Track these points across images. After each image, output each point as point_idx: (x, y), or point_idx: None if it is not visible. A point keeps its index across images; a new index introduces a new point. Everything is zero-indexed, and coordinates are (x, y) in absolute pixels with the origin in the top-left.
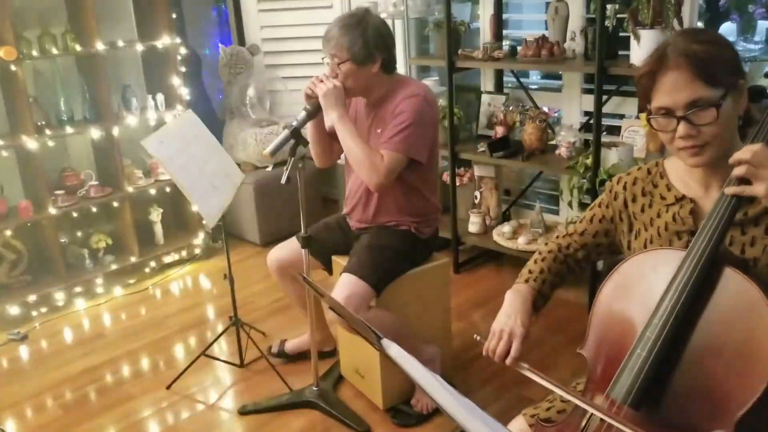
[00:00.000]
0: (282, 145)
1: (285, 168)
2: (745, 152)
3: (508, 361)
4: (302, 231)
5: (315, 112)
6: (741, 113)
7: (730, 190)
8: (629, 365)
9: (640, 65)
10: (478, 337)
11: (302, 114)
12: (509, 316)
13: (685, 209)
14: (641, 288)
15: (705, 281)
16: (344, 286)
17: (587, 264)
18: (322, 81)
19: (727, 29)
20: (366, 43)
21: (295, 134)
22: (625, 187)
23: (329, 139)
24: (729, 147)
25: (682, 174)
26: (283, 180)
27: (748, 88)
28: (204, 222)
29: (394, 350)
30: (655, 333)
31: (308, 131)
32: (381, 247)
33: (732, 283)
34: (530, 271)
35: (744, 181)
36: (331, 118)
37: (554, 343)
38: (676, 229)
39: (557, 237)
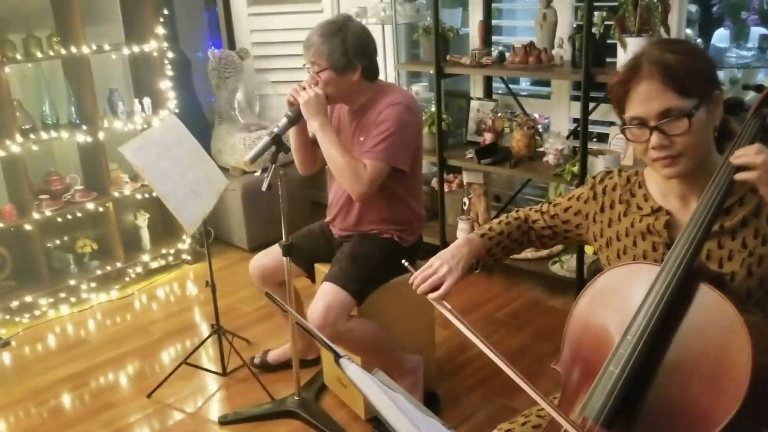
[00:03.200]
0: (263, 151)
1: (266, 175)
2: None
3: (432, 296)
4: (284, 239)
5: (296, 119)
6: (716, 124)
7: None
8: (602, 382)
9: (613, 74)
10: (407, 263)
11: (283, 121)
12: (453, 257)
13: (660, 221)
14: (616, 303)
15: (680, 297)
16: (324, 294)
17: (549, 242)
18: (304, 88)
19: (721, 36)
20: (345, 50)
21: (277, 141)
22: (604, 191)
23: (312, 146)
24: (704, 159)
25: (661, 185)
26: (264, 187)
27: (726, 100)
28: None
29: (352, 370)
30: (628, 350)
31: (291, 138)
32: (363, 256)
33: (707, 300)
34: (491, 229)
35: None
36: (312, 126)
37: (541, 351)
38: (652, 240)
39: (530, 208)
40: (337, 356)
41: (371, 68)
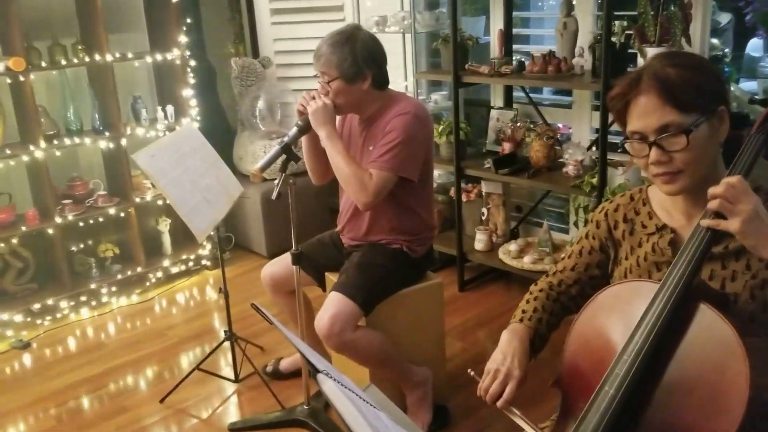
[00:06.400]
0: (273, 160)
1: (276, 183)
2: (720, 186)
3: (499, 404)
4: (293, 247)
5: (306, 128)
6: (722, 140)
7: (705, 222)
8: (596, 403)
9: (613, 86)
10: (473, 373)
11: (294, 130)
12: (506, 356)
13: (665, 239)
14: (615, 321)
15: (679, 316)
16: (331, 304)
17: (582, 300)
18: (313, 98)
19: (754, 45)
20: (355, 60)
21: (287, 150)
22: (606, 215)
23: (324, 155)
24: (710, 174)
25: (665, 202)
26: (274, 196)
27: (732, 114)
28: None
29: (328, 386)
30: (623, 370)
31: (303, 147)
32: (371, 266)
33: (706, 320)
34: (523, 311)
35: (720, 214)
36: (320, 135)
37: (556, 365)
38: (655, 259)
39: (546, 276)
40: (315, 371)
41: (381, 77)
